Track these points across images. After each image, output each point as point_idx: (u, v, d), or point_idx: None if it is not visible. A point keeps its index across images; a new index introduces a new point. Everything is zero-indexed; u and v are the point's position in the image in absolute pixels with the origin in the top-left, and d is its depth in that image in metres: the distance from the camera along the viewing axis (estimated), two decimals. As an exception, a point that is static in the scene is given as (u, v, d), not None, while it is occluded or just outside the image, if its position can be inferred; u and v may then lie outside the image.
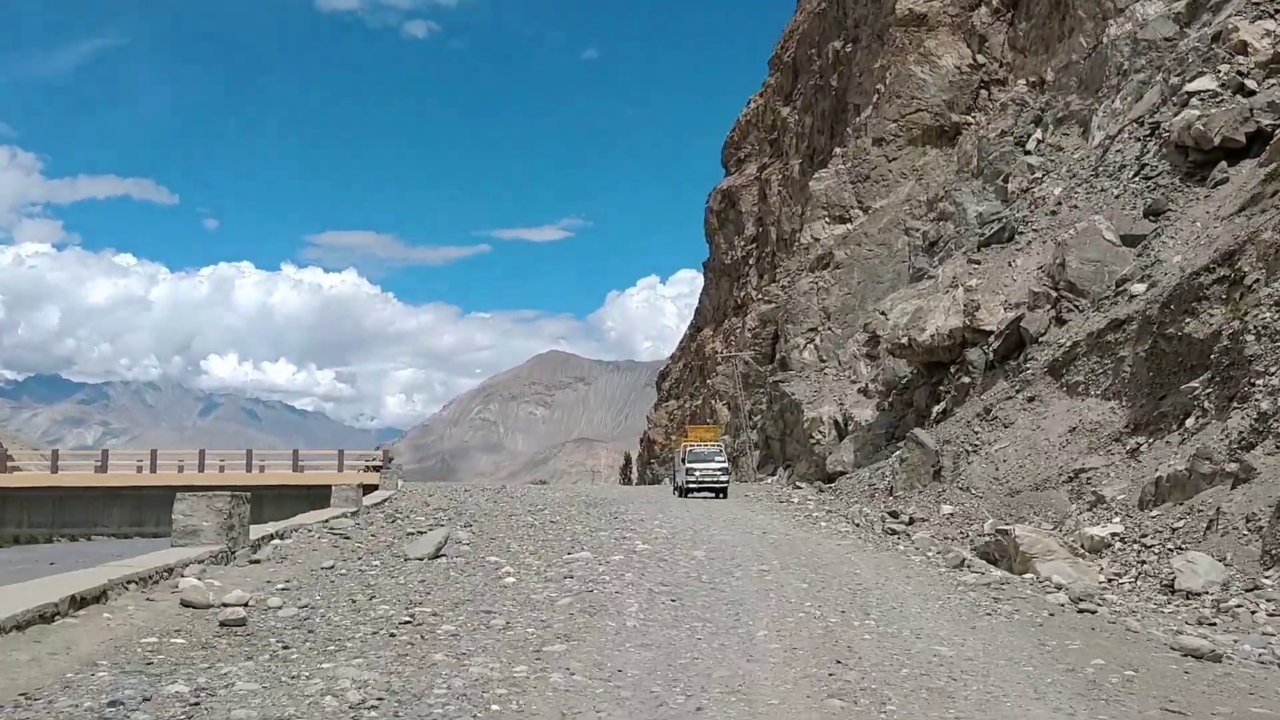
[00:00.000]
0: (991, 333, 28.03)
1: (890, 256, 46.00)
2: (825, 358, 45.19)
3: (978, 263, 31.00)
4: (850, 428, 37.36)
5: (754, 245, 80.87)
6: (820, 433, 38.59)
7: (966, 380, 28.14)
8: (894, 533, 20.51)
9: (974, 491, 22.85)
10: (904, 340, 31.39)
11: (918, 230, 42.00)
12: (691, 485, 31.52)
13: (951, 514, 22.54)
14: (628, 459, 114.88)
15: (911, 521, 22.53)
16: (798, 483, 35.82)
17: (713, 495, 31.58)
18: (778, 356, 49.05)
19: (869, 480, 29.73)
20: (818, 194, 50.42)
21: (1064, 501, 19.90)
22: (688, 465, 31.88)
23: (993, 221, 32.60)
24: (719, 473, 31.60)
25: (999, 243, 31.27)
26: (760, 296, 54.79)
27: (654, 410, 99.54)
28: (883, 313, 36.43)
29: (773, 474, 43.37)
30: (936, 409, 30.56)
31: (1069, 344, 23.69)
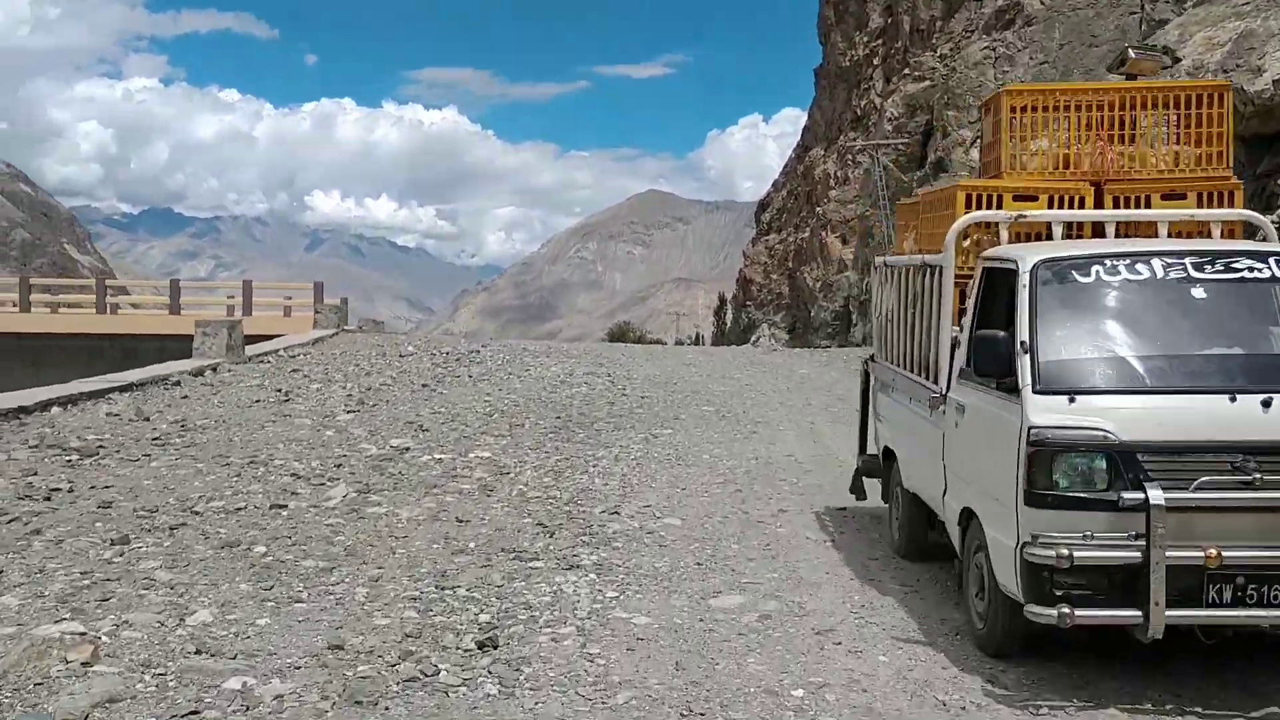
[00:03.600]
0: None
1: (1112, 3, 30.41)
2: (1006, 158, 30.31)
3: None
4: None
5: (880, 41, 64.71)
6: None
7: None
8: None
9: None
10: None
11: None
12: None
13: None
14: (722, 300, 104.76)
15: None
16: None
17: None
18: (929, 159, 34.04)
19: None
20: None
21: None
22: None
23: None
24: None
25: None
26: (909, 72, 39.11)
27: (751, 245, 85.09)
28: (1162, 49, 21.32)
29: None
30: (1270, 218, 15.81)
31: None
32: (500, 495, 8.70)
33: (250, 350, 17.74)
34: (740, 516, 8.37)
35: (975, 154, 31.45)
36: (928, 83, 35.72)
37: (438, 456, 9.82)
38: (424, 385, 14.18)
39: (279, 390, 13.29)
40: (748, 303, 77.69)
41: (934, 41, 38.97)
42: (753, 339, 66.66)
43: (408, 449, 10.05)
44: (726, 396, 14.32)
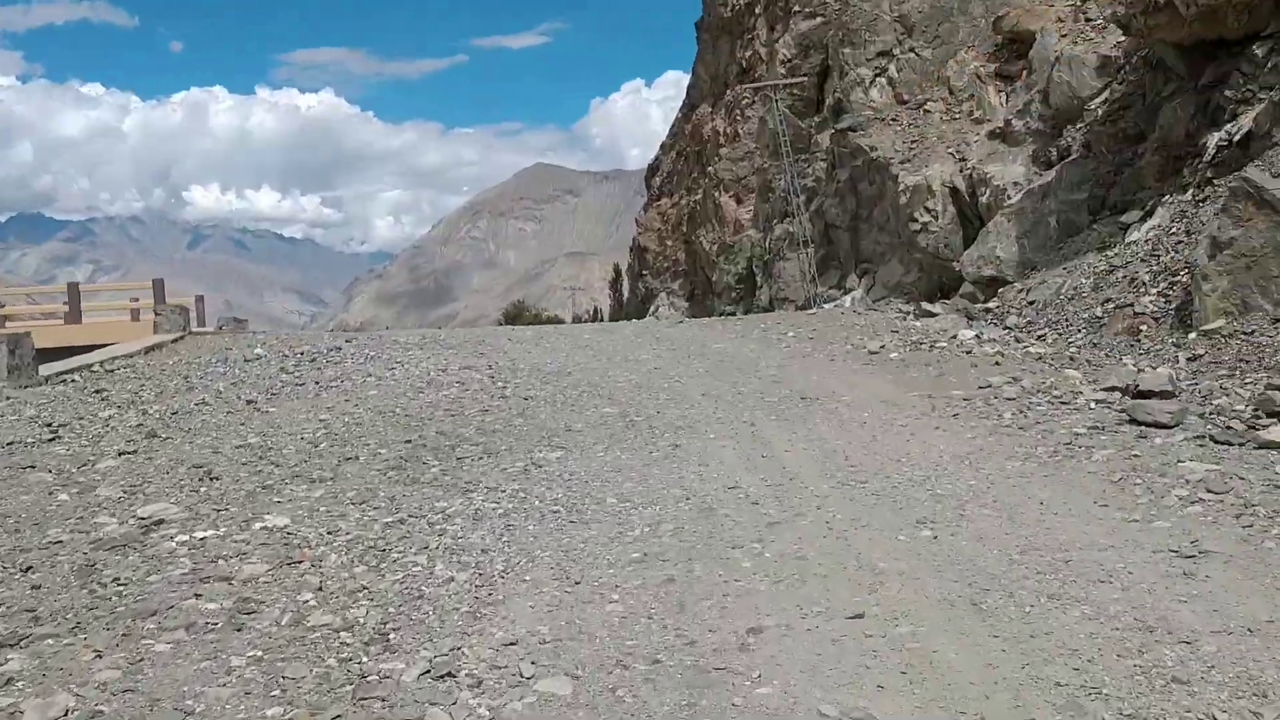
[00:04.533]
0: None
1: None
2: (909, 95, 28.10)
3: None
4: (986, 199, 20.80)
5: (761, -11, 62.18)
6: (928, 211, 21.99)
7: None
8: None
9: None
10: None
11: None
12: None
13: None
14: (617, 271, 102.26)
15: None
16: (899, 304, 19.56)
17: None
18: (826, 102, 31.73)
19: (1067, 294, 13.85)
20: None
21: None
22: None
23: None
24: None
25: None
26: (799, 9, 36.53)
27: (644, 212, 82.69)
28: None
29: (840, 288, 27.02)
30: (1216, 136, 14.53)
31: None
32: (257, 630, 5.07)
33: (53, 368, 14.65)
34: (680, 659, 4.62)
35: (875, 93, 29.37)
36: (820, 19, 33.39)
37: (199, 536, 6.53)
38: (250, 402, 11.27)
39: (49, 425, 10.27)
40: (644, 272, 75.48)
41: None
42: (652, 309, 64.27)
43: (160, 523, 6.75)
44: (632, 389, 11.37)
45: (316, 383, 12.27)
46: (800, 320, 17.16)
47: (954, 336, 13.50)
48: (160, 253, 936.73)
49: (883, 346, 13.01)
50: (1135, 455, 7.68)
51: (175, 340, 17.60)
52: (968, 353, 12.06)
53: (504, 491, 7.59)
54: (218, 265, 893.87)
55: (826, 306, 22.50)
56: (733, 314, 34.59)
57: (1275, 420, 8.00)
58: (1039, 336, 13.18)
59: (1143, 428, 8.36)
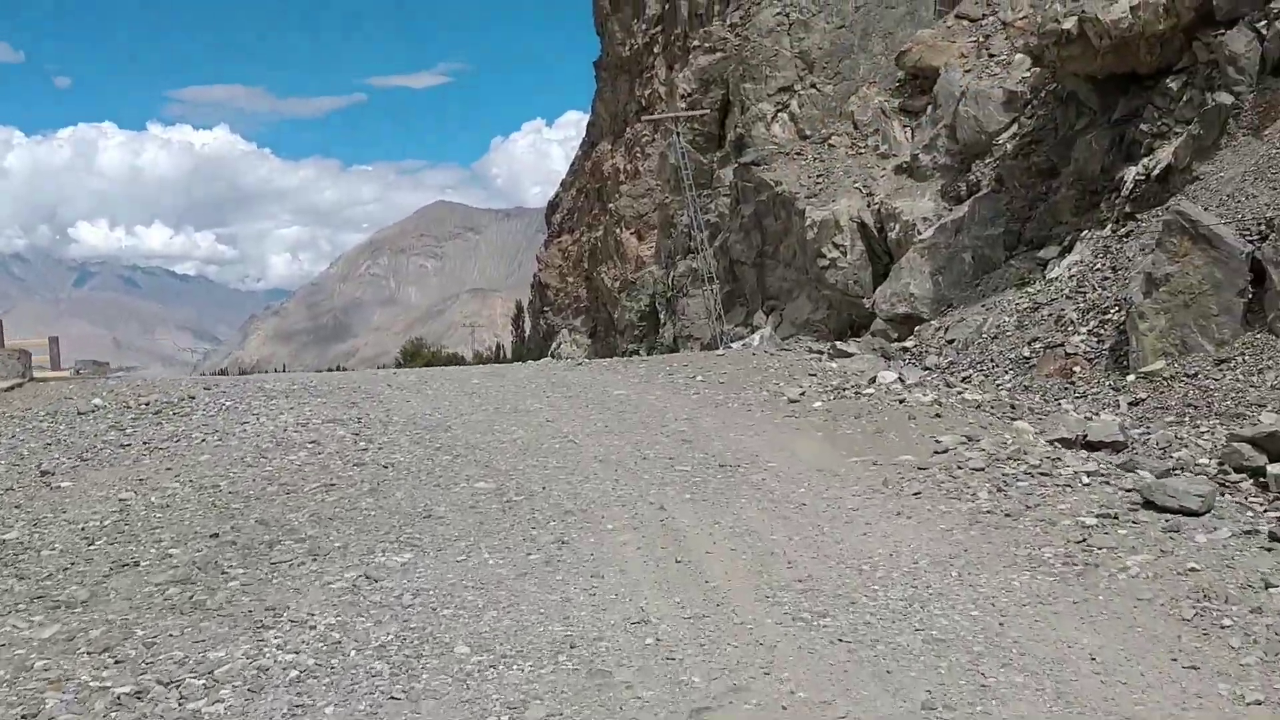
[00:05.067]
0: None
1: (908, -41, 28.30)
2: (810, 130, 27.59)
3: None
4: (896, 234, 20.16)
5: (659, 29, 62.12)
6: (836, 247, 21.26)
7: (1216, 100, 11.71)
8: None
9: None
10: (1060, 27, 14.35)
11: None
12: None
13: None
14: (519, 308, 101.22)
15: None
16: (809, 343, 18.71)
17: None
18: (728, 137, 31.04)
19: (990, 332, 13.16)
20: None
21: None
22: None
23: None
24: None
25: None
26: (699, 44, 35.87)
27: (544, 248, 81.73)
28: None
29: (747, 325, 26.14)
30: (1133, 170, 14.09)
31: None
32: None
33: None
34: None
35: (777, 129, 28.83)
36: (720, 54, 32.78)
37: None
38: (46, 472, 9.47)
39: None
40: (545, 309, 74.47)
41: (724, 11, 36.04)
42: (552, 347, 63.03)
43: None
44: (517, 453, 9.61)
45: (145, 443, 10.60)
46: (709, 362, 15.60)
47: (874, 379, 12.60)
48: (45, 291, 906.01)
49: (803, 393, 11.73)
50: (1190, 567, 5.97)
51: (8, 389, 15.75)
52: (900, 401, 10.83)
53: (313, 629, 5.59)
54: (107, 303, 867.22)
55: (734, 346, 21.52)
56: (636, 352, 33.56)
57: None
58: (964, 378, 12.39)
59: (1167, 515, 6.79)
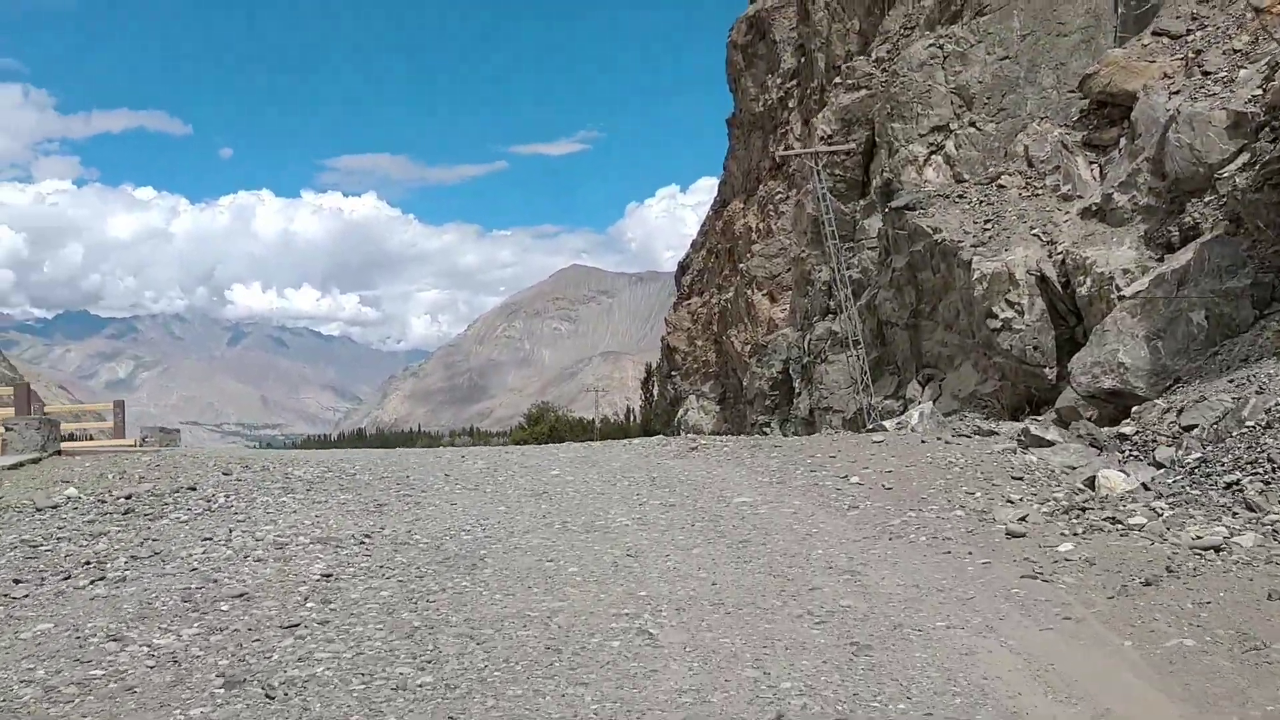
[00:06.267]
0: None
1: (1082, -17, 24.78)
2: (968, 175, 24.03)
3: None
4: (1087, 289, 16.44)
5: (794, 83, 59.74)
6: (1010, 305, 17.59)
7: None
8: None
9: None
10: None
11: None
12: None
13: None
14: (649, 371, 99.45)
15: None
16: (977, 421, 15.09)
17: None
18: (873, 183, 27.56)
19: (1257, 419, 9.23)
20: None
21: None
22: None
23: None
24: None
25: None
26: (841, 80, 32.53)
27: (673, 311, 79.41)
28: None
29: (898, 397, 22.47)
30: None
31: None
32: None
33: None
34: None
35: (930, 172, 25.34)
36: (865, 91, 29.40)
37: None
38: None
39: None
40: (673, 373, 72.18)
41: (868, 48, 32.70)
42: (679, 414, 60.17)
43: None
44: (564, 628, 6.17)
45: (59, 568, 7.63)
46: (862, 451, 12.16)
47: (1093, 481, 9.03)
48: (201, 349, 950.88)
49: (1024, 518, 8.07)
50: None
51: (12, 466, 13.23)
52: (1209, 549, 6.80)
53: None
54: (256, 362, 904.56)
55: (887, 425, 17.64)
56: (766, 426, 30.19)
57: None
58: (1228, 484, 8.69)
59: None
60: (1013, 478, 9.22)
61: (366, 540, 8.48)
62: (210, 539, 8.39)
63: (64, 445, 15.95)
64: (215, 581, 7.29)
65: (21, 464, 13.39)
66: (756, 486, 10.03)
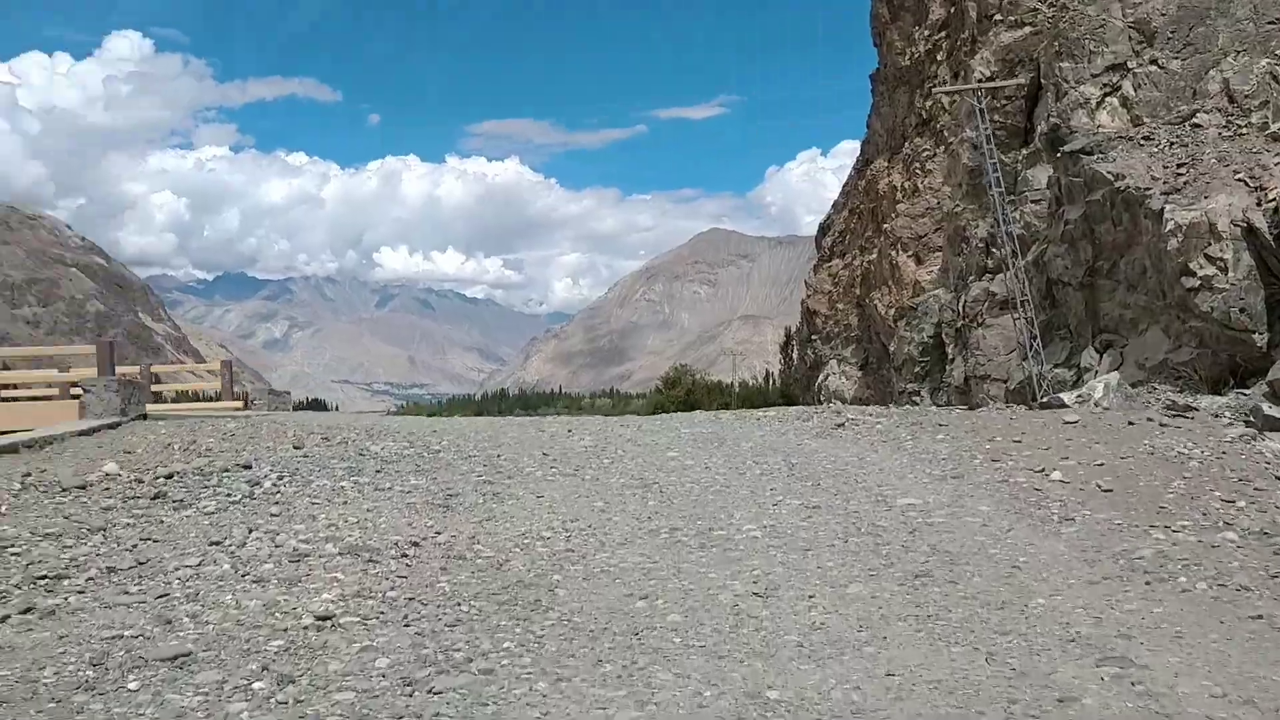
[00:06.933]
0: None
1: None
2: (1149, 117, 21.48)
3: None
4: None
5: (943, 34, 56.76)
6: (1211, 261, 15.40)
7: None
8: None
9: None
10: None
11: None
12: None
13: None
14: (788, 334, 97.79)
15: None
16: (1169, 393, 13.06)
17: None
18: (1038, 130, 25.14)
19: None
20: None
21: None
22: None
23: None
24: None
25: None
26: (1001, 18, 29.95)
27: (813, 273, 77.37)
28: None
29: (1070, 365, 20.30)
30: None
31: None
32: None
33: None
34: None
35: (1104, 116, 22.85)
36: (1028, 29, 26.89)
37: None
38: None
39: None
40: (813, 337, 70.66)
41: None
42: (820, 379, 58.44)
43: None
44: None
45: (24, 573, 6.24)
46: (1054, 433, 10.03)
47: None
48: (350, 310, 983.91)
49: None
50: None
51: (94, 431, 12.33)
52: None
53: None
54: (404, 323, 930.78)
55: (1066, 399, 15.22)
56: (916, 394, 28.15)
57: None
58: None
59: None
60: (1277, 477, 7.21)
61: (412, 550, 6.91)
62: (219, 543, 7.12)
63: (161, 408, 15.27)
64: (168, 624, 5.61)
65: (96, 429, 12.57)
66: (925, 482, 8.21)
